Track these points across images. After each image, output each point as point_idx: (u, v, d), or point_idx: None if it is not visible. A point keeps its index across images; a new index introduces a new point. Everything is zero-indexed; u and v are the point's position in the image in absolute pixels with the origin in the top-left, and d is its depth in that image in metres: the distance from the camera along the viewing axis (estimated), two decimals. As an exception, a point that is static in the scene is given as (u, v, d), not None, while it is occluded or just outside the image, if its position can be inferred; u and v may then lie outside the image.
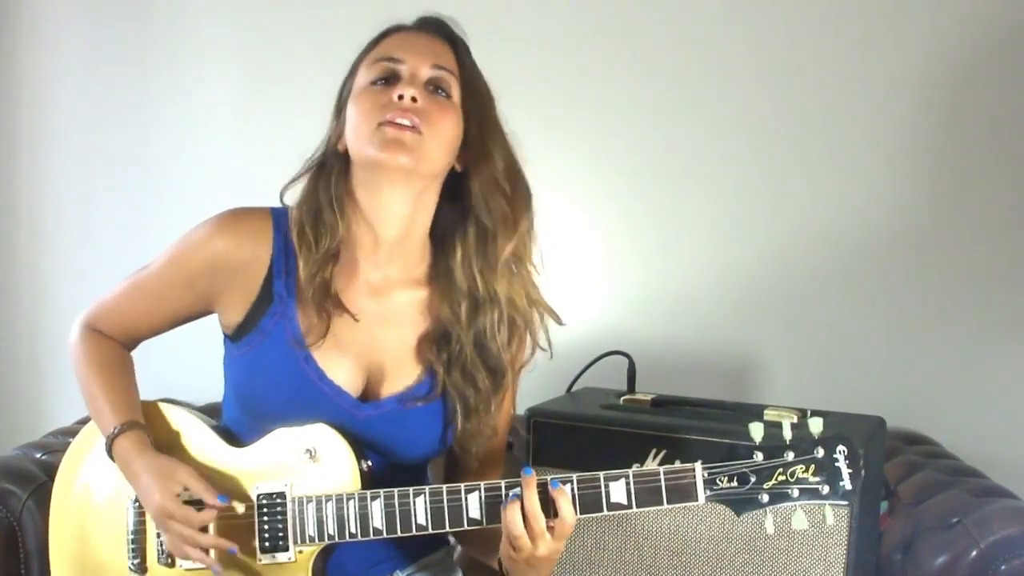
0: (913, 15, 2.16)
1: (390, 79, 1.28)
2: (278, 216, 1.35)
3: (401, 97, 1.25)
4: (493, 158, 1.31)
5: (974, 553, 1.51)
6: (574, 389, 1.83)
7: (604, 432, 1.59)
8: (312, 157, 1.36)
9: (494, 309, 1.33)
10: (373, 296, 1.35)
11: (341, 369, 1.32)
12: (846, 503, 1.47)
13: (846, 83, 2.20)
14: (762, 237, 2.26)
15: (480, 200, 1.31)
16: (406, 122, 1.24)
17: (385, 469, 1.33)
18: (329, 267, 1.31)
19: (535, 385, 1.70)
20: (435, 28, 1.35)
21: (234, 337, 1.35)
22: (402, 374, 1.34)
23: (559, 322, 1.39)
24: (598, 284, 2.34)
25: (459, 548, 1.58)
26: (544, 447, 1.63)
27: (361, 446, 1.30)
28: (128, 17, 2.50)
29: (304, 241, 1.30)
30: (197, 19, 2.47)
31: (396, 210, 1.31)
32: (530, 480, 1.17)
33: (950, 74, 2.16)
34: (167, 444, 1.36)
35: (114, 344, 1.42)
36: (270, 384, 1.31)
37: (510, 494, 1.19)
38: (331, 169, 1.33)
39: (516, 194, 1.33)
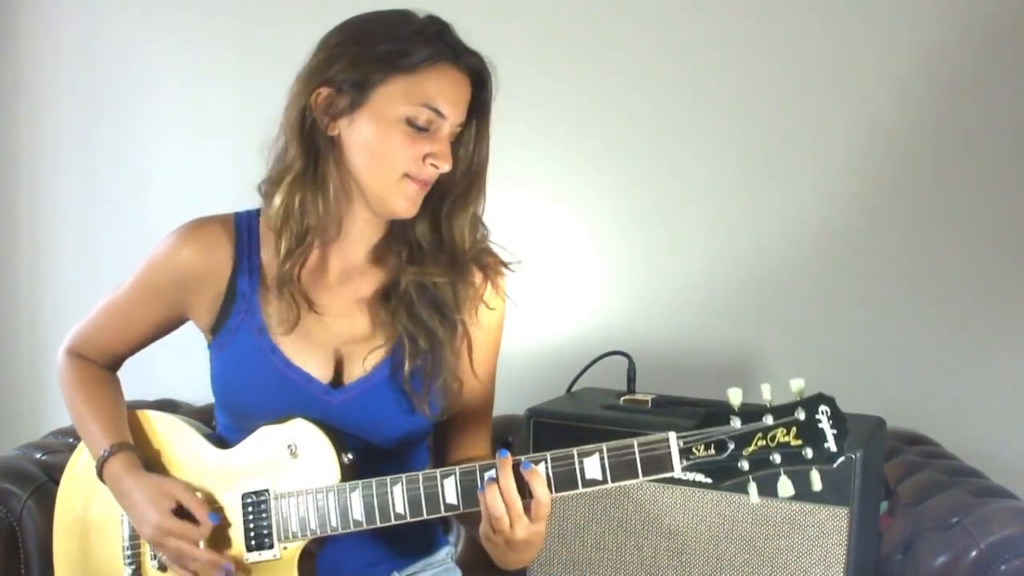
0: (895, 20, 2.17)
1: (424, 128, 1.28)
2: (239, 219, 1.38)
3: (435, 167, 1.29)
4: (470, 205, 1.36)
5: (974, 553, 1.51)
6: (574, 389, 1.83)
7: (604, 432, 1.57)
8: (292, 126, 1.31)
9: (434, 255, 1.36)
10: (341, 283, 1.37)
11: (309, 358, 1.33)
12: (845, 504, 1.47)
13: (848, 82, 2.21)
14: (763, 238, 2.26)
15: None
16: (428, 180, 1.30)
17: (370, 457, 1.32)
18: (301, 261, 1.34)
19: (535, 385, 1.70)
20: (474, 71, 1.32)
21: (209, 340, 1.37)
22: (372, 356, 1.34)
23: (507, 268, 1.40)
24: (598, 284, 2.34)
25: (459, 548, 1.58)
26: (544, 447, 1.61)
27: (342, 438, 1.30)
28: (128, 17, 2.50)
29: (288, 229, 1.31)
30: (198, 19, 2.47)
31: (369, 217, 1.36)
32: (506, 461, 1.17)
33: (946, 73, 2.17)
34: (155, 453, 1.38)
35: (98, 368, 1.45)
36: (243, 378, 1.33)
37: (486, 476, 1.19)
38: (325, 161, 1.31)
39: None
